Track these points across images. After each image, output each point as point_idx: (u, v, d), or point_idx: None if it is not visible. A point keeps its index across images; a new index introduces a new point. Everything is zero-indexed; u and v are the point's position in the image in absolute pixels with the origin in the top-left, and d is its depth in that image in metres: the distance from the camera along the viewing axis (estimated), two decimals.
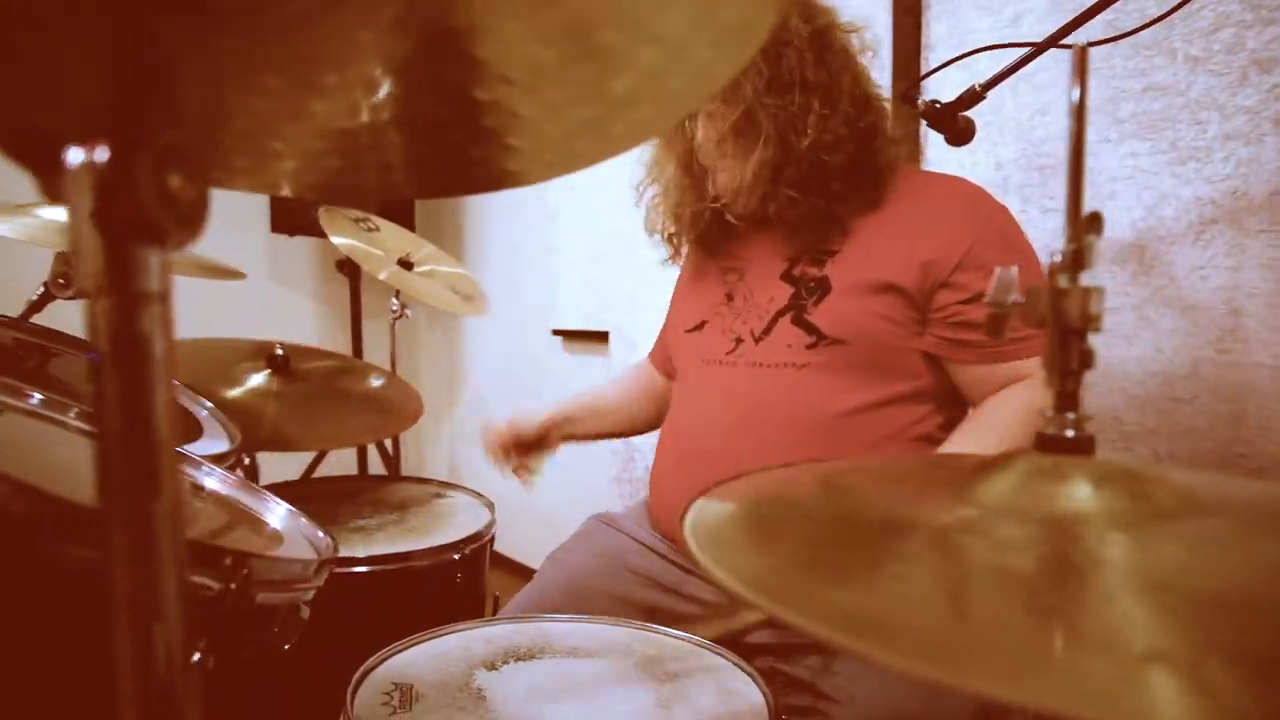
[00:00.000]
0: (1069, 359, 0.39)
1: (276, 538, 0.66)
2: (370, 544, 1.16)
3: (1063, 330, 0.38)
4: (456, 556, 1.15)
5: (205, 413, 1.07)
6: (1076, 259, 0.38)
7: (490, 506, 1.35)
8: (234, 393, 1.33)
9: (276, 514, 0.71)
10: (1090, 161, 0.98)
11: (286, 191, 0.40)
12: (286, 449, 1.45)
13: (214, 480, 0.74)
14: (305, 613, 0.64)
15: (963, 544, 0.37)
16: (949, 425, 1.00)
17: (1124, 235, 1.19)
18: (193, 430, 1.01)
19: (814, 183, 0.97)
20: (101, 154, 0.27)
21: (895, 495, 0.45)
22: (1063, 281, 0.38)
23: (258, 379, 1.38)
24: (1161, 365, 1.16)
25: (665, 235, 1.15)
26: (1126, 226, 1.18)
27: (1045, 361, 0.39)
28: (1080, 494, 0.36)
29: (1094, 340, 0.39)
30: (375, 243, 1.72)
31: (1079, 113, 0.39)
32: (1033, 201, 1.29)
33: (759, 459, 0.91)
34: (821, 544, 0.39)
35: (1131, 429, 1.19)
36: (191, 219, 0.30)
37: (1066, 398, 0.39)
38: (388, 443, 2.14)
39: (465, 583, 1.18)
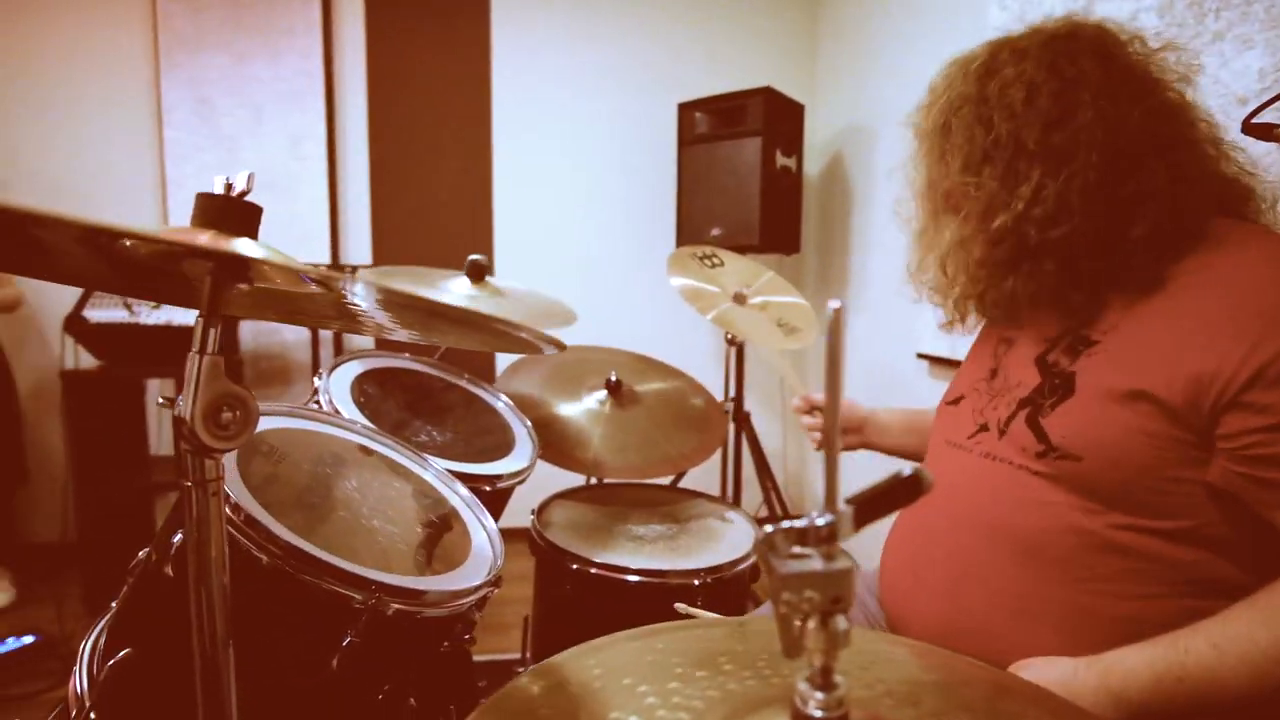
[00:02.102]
0: None
1: (461, 552, 0.90)
2: (636, 554, 1.38)
3: None
4: (696, 583, 1.29)
5: (525, 430, 1.42)
6: None
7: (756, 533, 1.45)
8: (573, 411, 1.67)
9: (481, 533, 0.97)
10: None
11: None
12: (610, 475, 1.72)
13: (446, 488, 1.03)
14: (474, 616, 0.88)
15: None
16: (1241, 582, 0.75)
17: None
18: (508, 442, 1.36)
19: (1028, 263, 0.83)
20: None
21: None
22: None
23: (593, 401, 1.71)
24: None
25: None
26: None
27: None
28: None
29: None
30: (715, 279, 1.92)
31: None
32: None
33: (982, 565, 0.85)
34: None
35: None
36: (237, 436, 0.51)
37: None
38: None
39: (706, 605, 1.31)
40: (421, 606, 0.75)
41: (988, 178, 0.84)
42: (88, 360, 2.63)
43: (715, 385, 2.08)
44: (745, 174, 2.78)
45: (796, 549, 0.34)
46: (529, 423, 1.44)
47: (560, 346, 0.74)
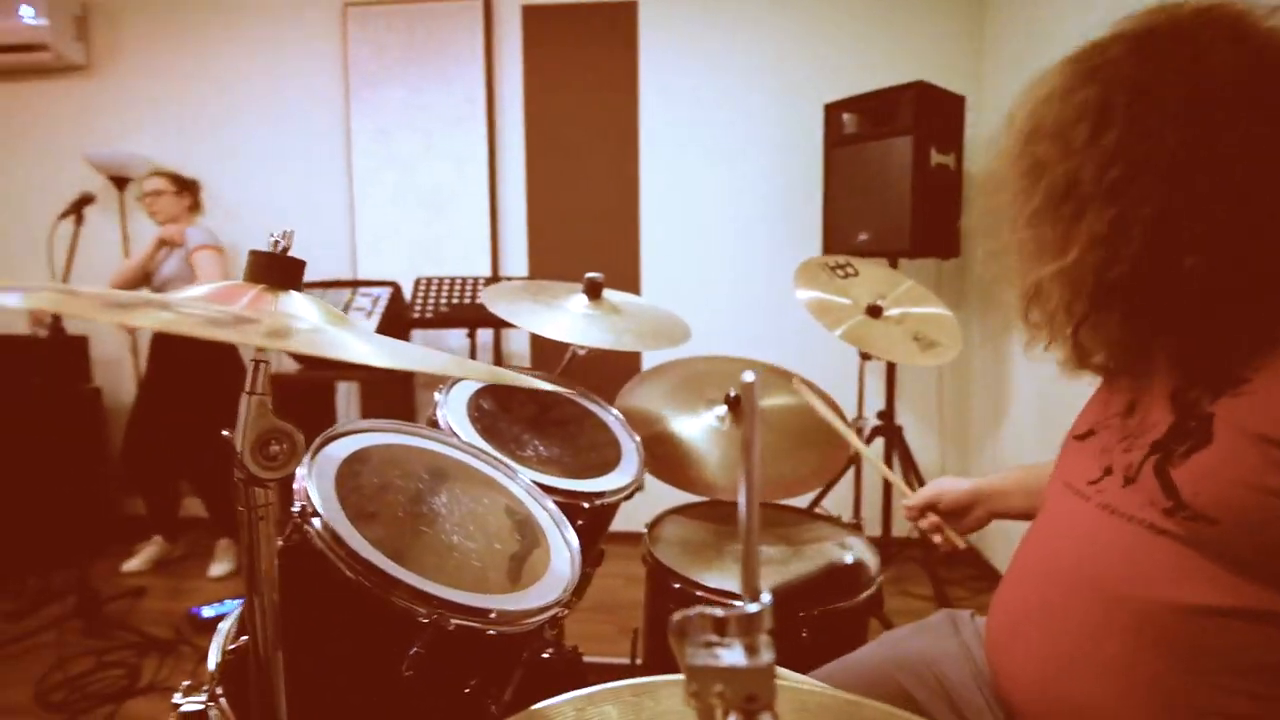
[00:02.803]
0: None
1: (539, 570, 0.93)
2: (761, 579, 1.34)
3: None
4: (801, 614, 1.24)
5: (633, 445, 1.43)
6: None
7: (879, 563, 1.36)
8: (691, 427, 1.66)
9: (563, 552, 0.99)
10: None
11: None
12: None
13: (534, 503, 1.06)
14: (547, 633, 0.90)
15: None
16: None
17: None
18: (614, 458, 1.38)
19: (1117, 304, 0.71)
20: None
21: None
22: None
23: (712, 417, 1.69)
24: None
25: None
26: None
27: None
28: None
29: None
30: (847, 290, 1.83)
31: None
32: None
33: (1090, 634, 0.76)
34: None
35: None
36: (285, 466, 0.57)
37: None
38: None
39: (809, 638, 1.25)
40: (485, 624, 0.78)
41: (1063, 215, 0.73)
42: (289, 364, 3.03)
43: (850, 399, 1.98)
44: (896, 175, 2.62)
45: (713, 637, 0.32)
46: (638, 439, 1.45)
47: (573, 389, 0.72)
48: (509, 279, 3.29)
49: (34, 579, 2.91)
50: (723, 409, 1.67)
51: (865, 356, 1.88)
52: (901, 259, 2.73)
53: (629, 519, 1.47)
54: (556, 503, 1.08)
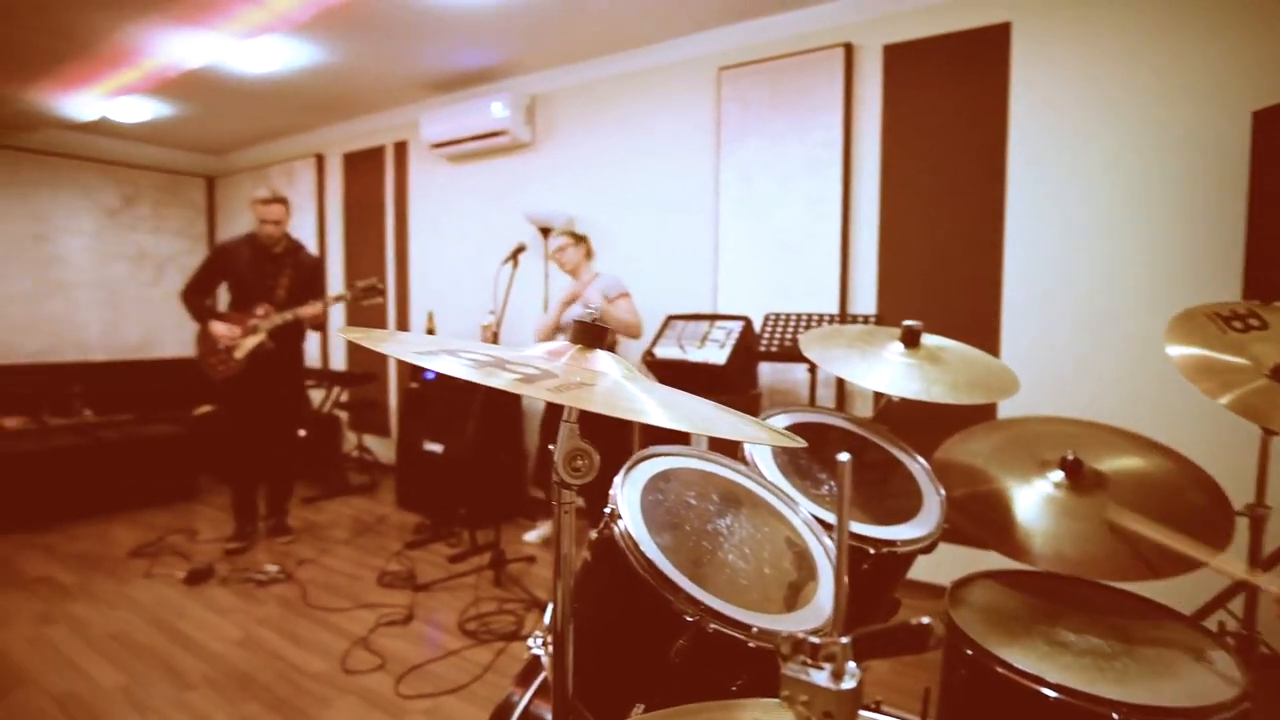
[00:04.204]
0: None
1: (804, 600, 1.00)
2: (1051, 661, 1.22)
3: None
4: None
5: (936, 499, 1.40)
6: None
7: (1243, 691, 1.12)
8: (1019, 489, 1.53)
9: (826, 589, 1.04)
10: None
11: None
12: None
13: (812, 538, 1.12)
14: None
15: None
16: None
17: None
18: (913, 508, 1.37)
19: None
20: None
21: None
22: None
23: (1045, 482, 1.54)
24: None
25: None
26: None
27: None
28: None
29: None
30: (1244, 347, 1.50)
31: None
32: None
33: None
34: None
35: None
36: (586, 476, 0.76)
37: None
38: None
39: None
40: (746, 636, 0.90)
41: None
42: None
43: (1244, 484, 1.61)
44: None
45: (808, 659, 0.40)
46: (943, 492, 1.42)
47: (798, 443, 0.77)
48: (855, 318, 3.34)
49: (470, 533, 3.85)
50: (1058, 474, 1.52)
51: (1270, 432, 1.52)
52: None
53: (937, 572, 1.44)
54: None
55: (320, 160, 5.93)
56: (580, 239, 3.71)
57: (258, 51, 4.03)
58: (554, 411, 3.80)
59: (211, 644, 2.71)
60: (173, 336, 6.47)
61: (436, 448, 4.31)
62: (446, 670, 2.52)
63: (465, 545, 3.79)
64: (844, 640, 0.39)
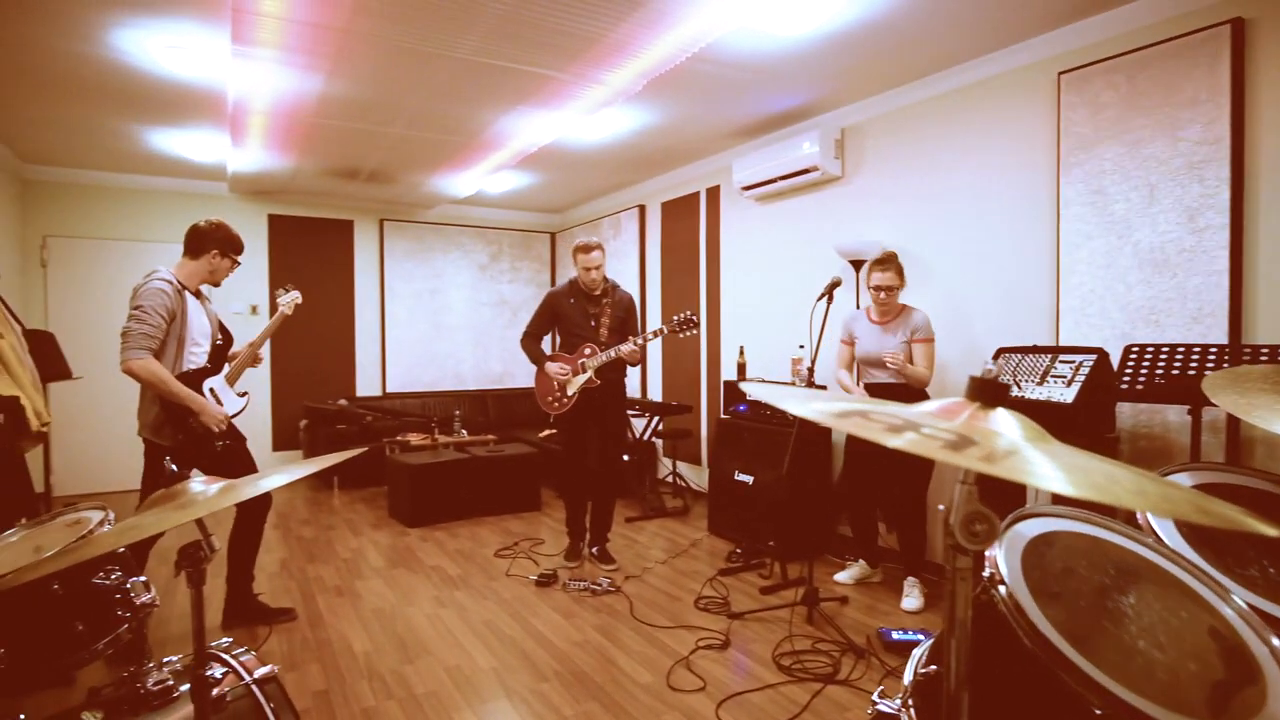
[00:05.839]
0: None
1: (1249, 712, 0.82)
2: None
3: None
4: None
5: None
6: None
7: None
8: None
9: None
10: None
11: None
12: None
13: (1251, 633, 0.91)
14: None
15: None
16: None
17: None
18: None
19: None
20: None
21: None
22: None
23: None
24: None
25: None
26: None
27: None
28: None
29: None
30: None
31: None
32: None
33: None
34: None
35: None
36: (985, 542, 0.73)
37: None
38: None
39: None
40: None
41: None
42: None
43: None
44: None
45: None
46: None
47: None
48: (1256, 349, 2.70)
49: (780, 565, 3.87)
50: None
51: None
52: None
53: None
54: None
55: (642, 210, 6.55)
56: (899, 270, 3.53)
57: (597, 123, 4.61)
58: (858, 446, 3.66)
59: (559, 642, 3.08)
60: (524, 369, 7.66)
61: (747, 478, 4.42)
62: (763, 702, 2.55)
63: (776, 578, 3.81)
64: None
